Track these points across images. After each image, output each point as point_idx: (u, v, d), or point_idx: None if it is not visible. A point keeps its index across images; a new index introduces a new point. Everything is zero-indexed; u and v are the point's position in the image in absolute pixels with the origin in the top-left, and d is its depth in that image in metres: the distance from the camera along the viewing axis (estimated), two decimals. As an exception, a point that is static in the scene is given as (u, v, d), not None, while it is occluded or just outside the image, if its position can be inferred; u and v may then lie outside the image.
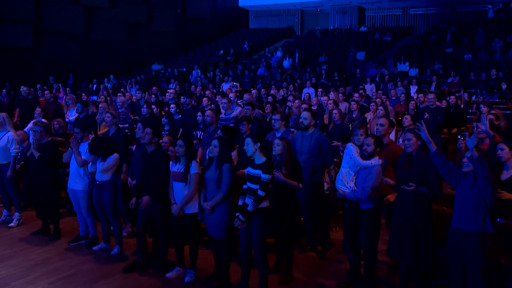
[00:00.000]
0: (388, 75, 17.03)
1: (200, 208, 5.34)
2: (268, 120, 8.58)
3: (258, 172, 4.88)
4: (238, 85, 16.18)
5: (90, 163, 6.17)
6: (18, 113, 11.70)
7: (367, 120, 9.20)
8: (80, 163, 6.19)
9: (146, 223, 5.76)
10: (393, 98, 12.52)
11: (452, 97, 10.74)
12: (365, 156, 5.02)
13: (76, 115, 9.06)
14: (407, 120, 7.18)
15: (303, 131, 6.10)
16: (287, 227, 5.36)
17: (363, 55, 21.12)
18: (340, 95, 11.65)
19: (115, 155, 6.10)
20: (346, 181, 5.10)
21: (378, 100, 10.27)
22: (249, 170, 5.00)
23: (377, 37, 24.52)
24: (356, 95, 10.89)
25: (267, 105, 9.02)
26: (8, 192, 7.37)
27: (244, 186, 5.05)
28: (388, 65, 19.40)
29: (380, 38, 24.42)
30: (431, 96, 9.68)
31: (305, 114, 6.09)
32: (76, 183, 6.37)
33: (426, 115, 9.19)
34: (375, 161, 4.95)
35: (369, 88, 15.29)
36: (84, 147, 6.29)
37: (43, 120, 8.53)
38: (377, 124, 5.74)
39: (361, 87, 13.80)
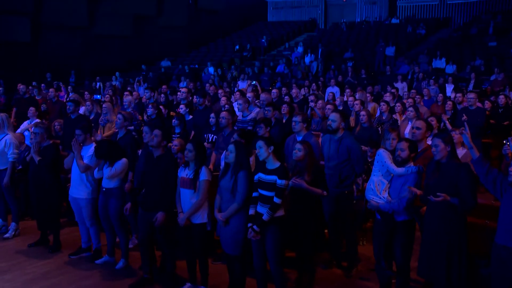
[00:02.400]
0: (422, 72, 16.91)
1: (212, 219, 5.35)
2: (284, 122, 8.56)
3: (272, 178, 4.91)
4: (257, 84, 16.20)
5: (97, 168, 6.21)
6: (15, 113, 11.83)
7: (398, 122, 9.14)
8: (82, 168, 6.24)
9: (149, 234, 5.76)
10: (426, 98, 12.42)
11: (501, 96, 10.58)
12: (399, 162, 4.99)
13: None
14: (432, 123, 7.10)
15: (331, 135, 6.05)
16: (309, 239, 5.33)
17: (393, 51, 21.01)
18: (367, 94, 11.60)
19: (124, 160, 6.13)
20: (378, 191, 5.07)
21: (410, 100, 10.17)
22: (261, 176, 5.02)
23: (410, 30, 24.38)
24: (387, 95, 10.82)
25: (283, 106, 8.98)
26: (6, 200, 7.45)
27: (255, 194, 5.06)
28: (421, 61, 19.27)
29: (413, 31, 24.28)
30: (471, 95, 9.55)
31: (333, 115, 6.00)
32: (78, 190, 6.41)
33: (464, 117, 9.09)
34: (412, 168, 4.92)
35: (401, 87, 15.22)
36: (86, 151, 6.34)
37: (38, 120, 8.63)
38: (412, 128, 5.68)
39: (390, 87, 13.74)
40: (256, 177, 5.07)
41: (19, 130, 8.98)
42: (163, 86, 13.99)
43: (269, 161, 5.00)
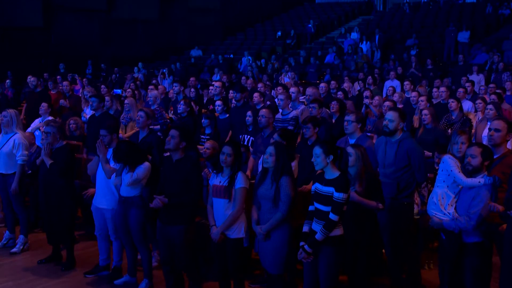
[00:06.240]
0: (504, 62, 16.54)
1: (249, 234, 5.39)
2: (334, 121, 8.53)
3: (328, 189, 4.89)
4: (292, 75, 16.06)
5: (114, 174, 6.26)
6: (25, 109, 12.11)
7: (473, 123, 8.98)
8: (109, 174, 6.30)
9: (171, 251, 5.80)
10: (508, 93, 12.14)
11: None
12: (469, 171, 4.91)
13: (92, 112, 9.24)
14: None
15: (387, 137, 6.04)
16: (364, 261, 5.30)
17: (467, 36, 20.62)
18: (434, 89, 11.44)
19: (146, 164, 6.17)
20: (442, 205, 5.01)
21: (493, 96, 9.94)
22: (317, 186, 5.01)
23: (490, 11, 23.84)
24: (460, 90, 10.63)
25: (333, 103, 8.91)
26: (14, 209, 7.55)
27: (311, 208, 5.06)
28: (504, 48, 18.84)
29: (494, 12, 23.71)
30: None
31: (390, 114, 6.00)
32: (104, 199, 6.48)
33: None
34: (485, 178, 4.83)
35: (476, 80, 14.91)
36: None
37: (50, 117, 8.80)
38: (490, 129, 5.58)
39: (464, 79, 13.48)
40: (312, 188, 5.07)
41: (29, 129, 9.14)
42: (191, 79, 14.10)
43: (327, 170, 4.98)
